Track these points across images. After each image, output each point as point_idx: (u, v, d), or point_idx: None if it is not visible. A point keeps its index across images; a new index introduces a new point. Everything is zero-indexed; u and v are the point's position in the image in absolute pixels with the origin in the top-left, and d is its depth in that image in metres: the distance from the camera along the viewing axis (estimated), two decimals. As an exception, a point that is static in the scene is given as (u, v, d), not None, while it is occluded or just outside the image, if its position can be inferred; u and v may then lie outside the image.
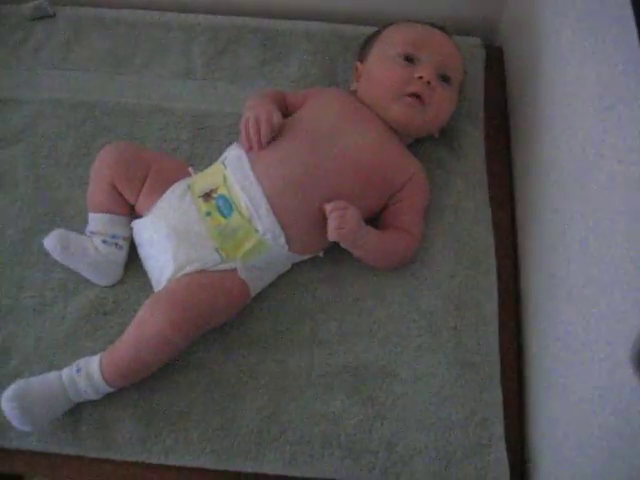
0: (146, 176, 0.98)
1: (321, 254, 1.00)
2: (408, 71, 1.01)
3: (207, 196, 0.95)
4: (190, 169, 1.01)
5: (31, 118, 1.14)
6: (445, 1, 1.27)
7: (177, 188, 0.98)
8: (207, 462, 0.89)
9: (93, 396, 0.88)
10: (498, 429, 0.91)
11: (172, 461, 0.89)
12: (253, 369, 0.94)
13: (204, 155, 1.10)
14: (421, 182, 1.03)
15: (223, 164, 0.98)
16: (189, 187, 0.97)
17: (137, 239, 0.99)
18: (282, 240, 0.94)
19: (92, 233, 0.99)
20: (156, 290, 0.95)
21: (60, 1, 1.28)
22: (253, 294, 0.96)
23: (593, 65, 0.83)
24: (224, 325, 0.95)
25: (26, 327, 0.96)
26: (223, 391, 0.92)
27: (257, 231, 0.93)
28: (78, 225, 1.01)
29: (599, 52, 0.82)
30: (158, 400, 0.91)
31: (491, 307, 0.99)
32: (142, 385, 0.91)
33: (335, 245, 0.98)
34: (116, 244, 0.98)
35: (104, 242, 0.97)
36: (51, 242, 0.97)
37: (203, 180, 0.98)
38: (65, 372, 0.87)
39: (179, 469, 0.90)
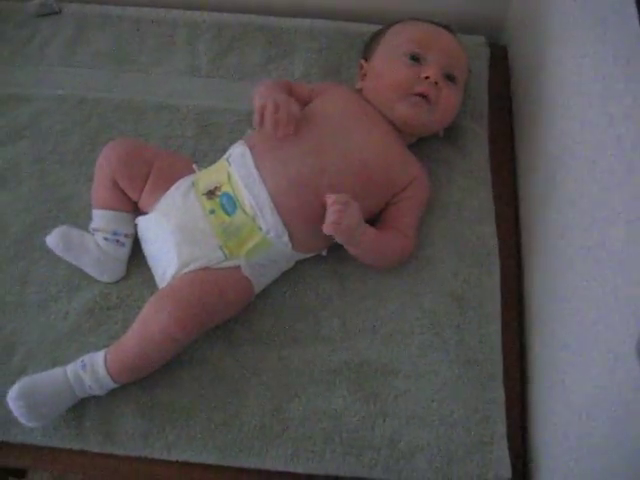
0: (149, 173, 0.98)
1: (324, 253, 1.01)
2: (414, 71, 1.01)
3: (211, 193, 0.95)
4: (194, 166, 1.01)
5: (36, 114, 1.15)
6: (450, -1, 1.27)
7: (181, 185, 0.98)
8: (210, 458, 0.90)
9: (98, 392, 0.88)
10: (500, 427, 0.91)
11: (175, 456, 0.90)
12: (256, 365, 0.94)
13: (208, 152, 1.10)
14: (423, 185, 1.03)
15: (227, 161, 0.98)
16: (193, 184, 0.97)
17: (141, 235, 0.99)
18: (285, 238, 0.94)
19: (94, 230, 0.99)
20: (160, 287, 0.95)
21: (66, -2, 1.29)
22: (257, 291, 0.96)
23: (598, 63, 0.83)
24: (227, 321, 0.95)
25: (30, 322, 0.97)
26: (226, 387, 0.93)
27: (261, 229, 0.93)
28: (83, 221, 1.02)
29: (604, 50, 0.82)
30: (161, 396, 0.92)
31: (494, 306, 0.99)
32: (145, 381, 0.91)
33: (339, 243, 0.98)
34: (117, 241, 0.98)
35: (105, 239, 0.98)
36: (53, 239, 0.98)
37: (207, 177, 0.98)
38: (70, 368, 0.88)
39: (182, 464, 0.90)
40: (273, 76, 1.20)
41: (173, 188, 0.98)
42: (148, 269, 0.98)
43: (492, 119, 1.17)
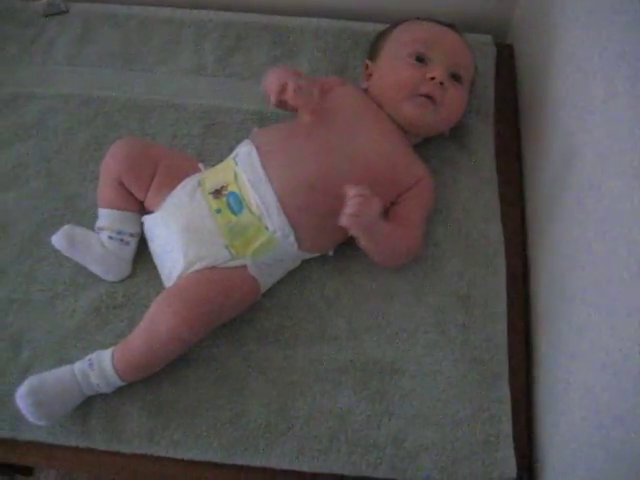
0: (154, 172, 0.98)
1: (331, 253, 1.00)
2: (420, 71, 1.00)
3: (217, 193, 0.95)
4: (200, 165, 1.01)
5: (43, 113, 1.15)
6: (456, -2, 1.27)
7: (187, 184, 0.98)
8: (215, 456, 0.90)
9: (105, 389, 0.89)
10: (505, 426, 0.91)
11: (180, 454, 0.90)
12: (262, 364, 0.94)
13: (214, 151, 1.10)
14: (428, 186, 1.02)
15: (234, 161, 0.98)
16: (199, 183, 0.97)
17: (148, 234, 0.99)
18: (292, 238, 0.94)
19: (99, 229, 0.99)
20: (166, 286, 0.95)
21: (73, -3, 1.29)
22: (263, 290, 0.96)
23: (604, 63, 0.83)
24: (233, 320, 0.95)
25: (37, 320, 0.97)
26: (232, 385, 0.93)
27: (267, 229, 0.93)
28: (89, 220, 1.02)
29: (610, 49, 0.81)
30: (167, 394, 0.92)
31: (500, 305, 0.99)
32: (151, 379, 0.92)
33: (345, 242, 0.98)
34: (122, 240, 0.98)
35: (110, 238, 0.98)
36: (58, 239, 0.98)
37: (214, 176, 0.98)
38: (77, 366, 0.88)
39: (187, 462, 0.90)
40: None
41: (179, 187, 0.98)
42: (154, 268, 0.99)
43: (498, 118, 1.17)
